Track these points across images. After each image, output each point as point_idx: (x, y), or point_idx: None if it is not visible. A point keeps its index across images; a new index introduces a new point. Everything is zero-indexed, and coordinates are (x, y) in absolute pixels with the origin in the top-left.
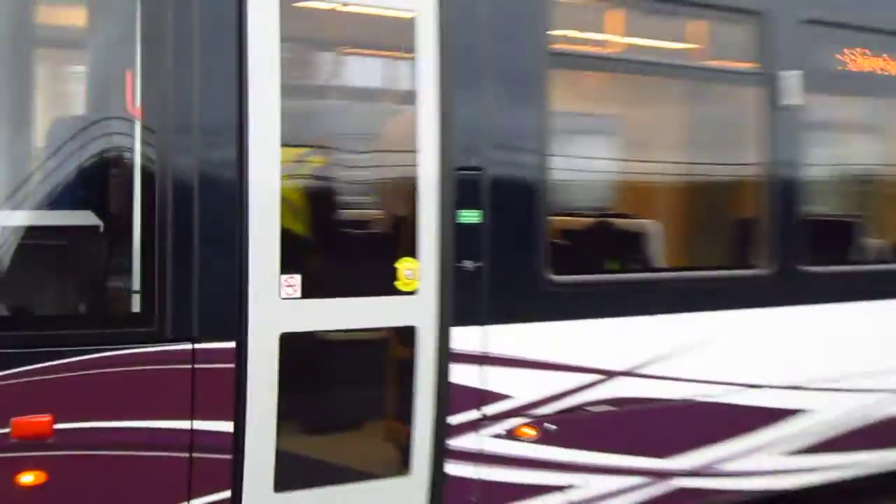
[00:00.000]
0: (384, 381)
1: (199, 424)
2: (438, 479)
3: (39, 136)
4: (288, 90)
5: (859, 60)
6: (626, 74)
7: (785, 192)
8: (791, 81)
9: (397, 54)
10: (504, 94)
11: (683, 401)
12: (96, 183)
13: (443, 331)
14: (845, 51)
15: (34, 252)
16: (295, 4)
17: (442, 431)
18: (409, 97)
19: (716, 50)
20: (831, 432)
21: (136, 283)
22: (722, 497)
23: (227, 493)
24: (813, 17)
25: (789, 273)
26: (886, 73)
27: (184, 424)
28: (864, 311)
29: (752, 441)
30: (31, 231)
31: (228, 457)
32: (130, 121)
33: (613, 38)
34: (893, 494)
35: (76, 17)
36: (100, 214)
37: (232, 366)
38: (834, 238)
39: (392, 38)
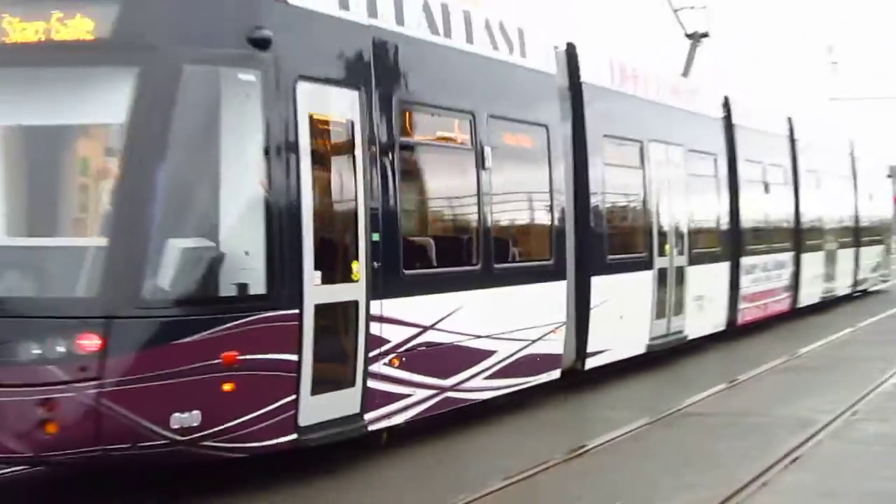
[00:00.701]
0: (347, 329)
1: (293, 356)
2: (364, 389)
3: None
4: None
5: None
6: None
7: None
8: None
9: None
10: None
11: (450, 344)
12: None
13: (367, 303)
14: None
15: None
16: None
17: (365, 362)
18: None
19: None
20: (504, 364)
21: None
22: (461, 403)
23: (294, 396)
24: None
25: (487, 268)
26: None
27: (292, 356)
28: (517, 292)
29: (474, 370)
30: None
31: (293, 374)
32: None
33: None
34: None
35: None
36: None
37: (296, 323)
38: (511, 246)
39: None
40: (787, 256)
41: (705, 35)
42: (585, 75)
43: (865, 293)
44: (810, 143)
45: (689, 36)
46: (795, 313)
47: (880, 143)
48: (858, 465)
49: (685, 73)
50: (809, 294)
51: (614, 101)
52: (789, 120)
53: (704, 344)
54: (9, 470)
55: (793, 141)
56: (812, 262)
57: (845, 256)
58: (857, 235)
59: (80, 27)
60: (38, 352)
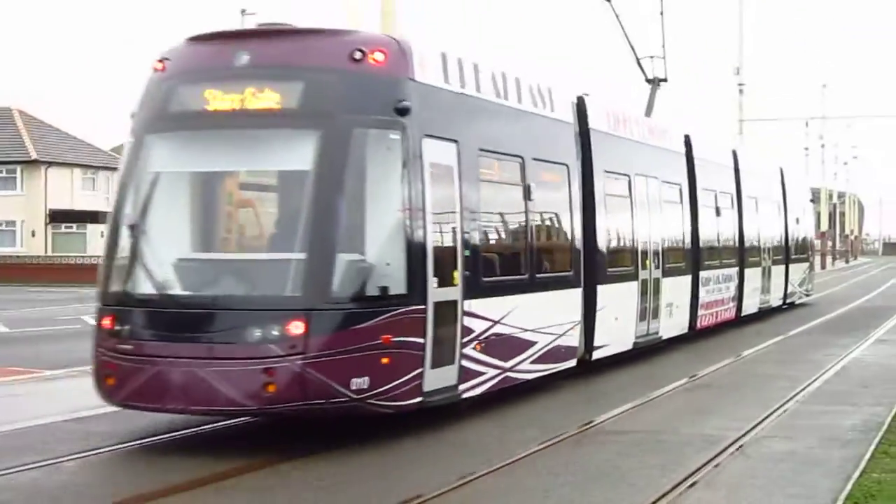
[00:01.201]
0: (450, 321)
1: (421, 339)
2: (459, 367)
3: None
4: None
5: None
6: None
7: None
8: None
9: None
10: None
11: (510, 335)
12: None
13: (463, 300)
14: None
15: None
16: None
17: (461, 346)
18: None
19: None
20: (542, 352)
21: (404, 288)
22: (514, 382)
23: (421, 369)
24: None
25: (532, 277)
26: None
27: (421, 339)
28: (550, 296)
29: (524, 356)
30: None
31: (421, 353)
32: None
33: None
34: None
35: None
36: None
37: (422, 316)
38: (545, 260)
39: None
40: (734, 271)
41: (664, 80)
42: (592, 123)
43: (793, 305)
44: (750, 171)
45: (649, 81)
46: (739, 321)
47: (787, 160)
48: (765, 483)
49: (647, 114)
50: (750, 304)
51: (611, 142)
52: (734, 152)
53: (618, 360)
54: (232, 421)
55: (737, 171)
56: (752, 277)
57: (778, 272)
58: (787, 254)
59: (270, 99)
60: (260, 334)
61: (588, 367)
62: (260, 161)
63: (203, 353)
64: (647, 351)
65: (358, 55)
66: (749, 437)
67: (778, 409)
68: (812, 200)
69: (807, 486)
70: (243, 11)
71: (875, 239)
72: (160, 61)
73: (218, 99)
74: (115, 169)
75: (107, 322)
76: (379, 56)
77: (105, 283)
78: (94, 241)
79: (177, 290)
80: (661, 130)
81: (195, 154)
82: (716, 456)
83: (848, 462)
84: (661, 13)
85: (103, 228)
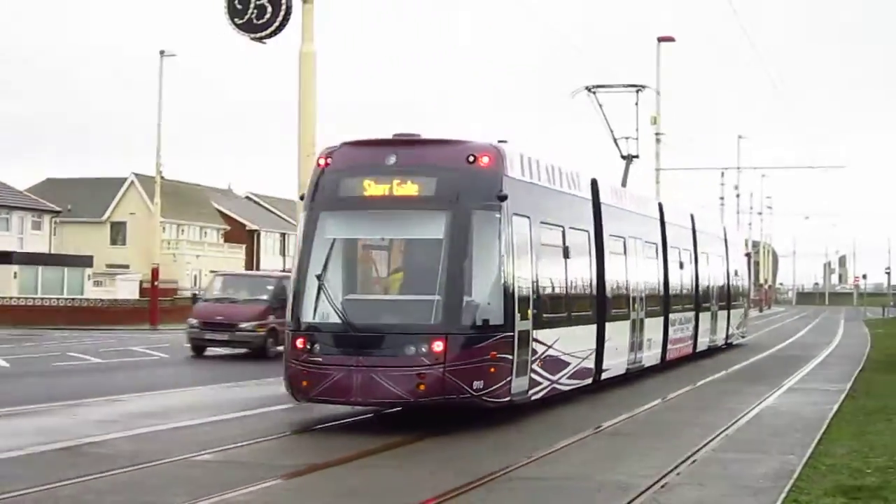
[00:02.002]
0: (525, 345)
1: (511, 356)
2: (529, 378)
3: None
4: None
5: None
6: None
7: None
8: (569, 249)
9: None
10: None
11: (556, 357)
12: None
13: (532, 329)
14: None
15: None
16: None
17: (530, 363)
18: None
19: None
20: (573, 371)
21: (501, 320)
22: (558, 392)
23: (510, 377)
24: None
25: (568, 315)
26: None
27: (510, 356)
28: (578, 329)
29: (564, 373)
30: None
31: (511, 366)
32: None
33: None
34: None
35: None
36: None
37: (512, 340)
38: (575, 302)
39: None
40: (692, 314)
41: (636, 156)
42: (602, 198)
43: (730, 346)
44: (703, 230)
45: (623, 157)
46: (695, 355)
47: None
48: None
49: (623, 184)
50: (703, 342)
51: (614, 212)
52: (692, 215)
53: (526, 409)
54: (368, 414)
55: (693, 231)
56: (704, 319)
57: (722, 316)
58: (729, 300)
59: (412, 188)
60: (414, 350)
61: (599, 385)
62: (407, 232)
63: (374, 363)
64: (568, 396)
65: (471, 158)
66: (661, 484)
67: (691, 456)
68: (747, 254)
69: None
70: (162, 52)
71: (788, 288)
72: (324, 158)
73: (373, 187)
74: (31, 209)
75: (300, 342)
76: (485, 159)
77: (296, 315)
78: (6, 280)
79: (352, 319)
80: (644, 200)
81: (359, 226)
82: (628, 503)
83: None
84: (636, 104)
85: (16, 269)
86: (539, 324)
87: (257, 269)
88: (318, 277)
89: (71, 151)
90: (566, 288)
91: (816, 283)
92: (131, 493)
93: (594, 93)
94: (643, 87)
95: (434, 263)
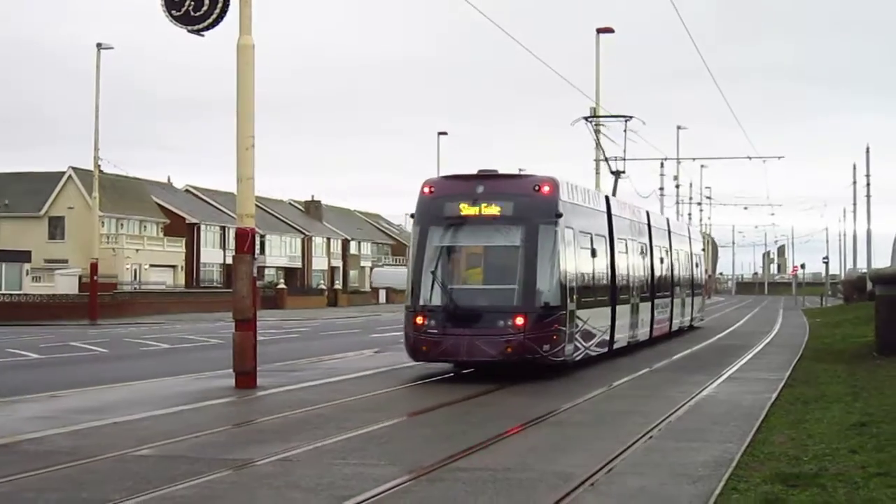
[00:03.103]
0: (570, 321)
1: (565, 329)
2: (573, 344)
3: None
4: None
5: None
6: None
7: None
8: (596, 250)
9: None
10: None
11: (588, 330)
12: None
13: (575, 310)
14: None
15: None
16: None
17: (572, 334)
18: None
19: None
20: (597, 341)
21: (559, 302)
22: (588, 356)
23: (563, 343)
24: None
25: (595, 298)
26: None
27: (564, 329)
28: (600, 310)
29: (592, 342)
30: None
31: (564, 335)
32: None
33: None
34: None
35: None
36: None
37: (565, 317)
38: (599, 289)
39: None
40: (668, 300)
41: (623, 172)
42: (613, 210)
43: (692, 328)
44: (675, 231)
45: (613, 172)
46: (671, 335)
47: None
48: None
49: (613, 194)
50: (676, 323)
51: (620, 221)
52: (668, 219)
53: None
54: (487, 363)
55: (669, 231)
56: (677, 304)
57: (688, 302)
58: (693, 289)
59: (496, 210)
60: (503, 323)
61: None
62: (493, 240)
63: (475, 333)
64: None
65: (536, 188)
66: (601, 473)
67: (631, 445)
68: (708, 249)
69: None
70: (99, 45)
71: (728, 278)
72: (428, 187)
73: (468, 209)
74: None
75: (419, 320)
76: (546, 188)
77: (415, 300)
78: None
79: (458, 303)
80: (636, 210)
81: (459, 236)
82: (568, 493)
83: (698, 498)
84: (625, 130)
85: None
86: (579, 306)
87: (197, 262)
88: (432, 273)
89: (5, 146)
90: (594, 279)
91: (756, 273)
92: (70, 490)
93: (590, 122)
94: (630, 117)
95: (514, 262)
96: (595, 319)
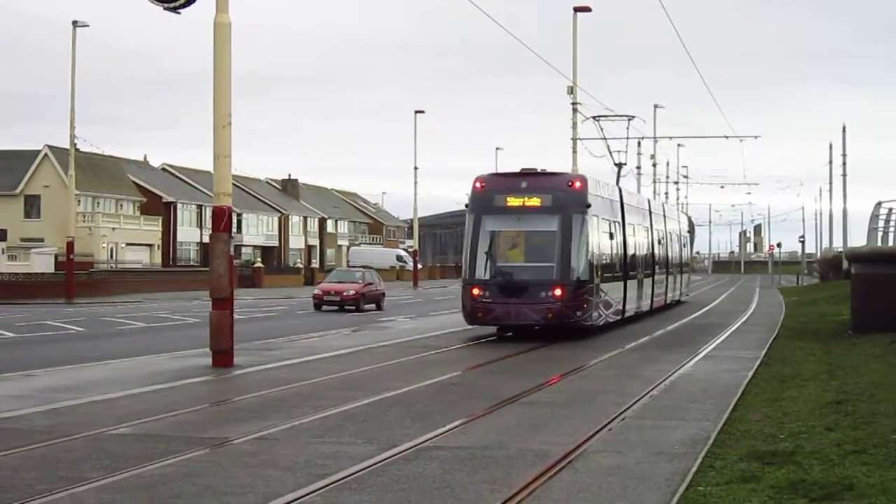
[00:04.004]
0: (596, 292)
1: (593, 298)
2: (597, 312)
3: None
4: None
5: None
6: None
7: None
8: (614, 233)
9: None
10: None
11: (608, 300)
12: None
13: (599, 283)
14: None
15: None
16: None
17: (596, 303)
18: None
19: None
20: (614, 310)
21: (588, 276)
22: (609, 321)
23: (590, 311)
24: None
25: (613, 274)
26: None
27: (593, 298)
28: (616, 284)
29: (611, 310)
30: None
31: (592, 303)
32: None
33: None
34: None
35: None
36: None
37: (593, 289)
38: (616, 266)
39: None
40: (664, 276)
41: (625, 164)
42: (624, 199)
43: (679, 302)
44: (670, 215)
45: (615, 164)
46: (666, 307)
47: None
48: (593, 497)
49: (616, 183)
50: (670, 297)
51: (630, 208)
52: (662, 205)
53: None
54: (534, 325)
55: (664, 216)
56: (671, 281)
57: (678, 279)
58: (681, 267)
59: (537, 201)
60: (544, 294)
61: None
62: (535, 226)
63: (521, 301)
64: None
65: (570, 183)
66: (579, 451)
67: (608, 423)
68: (690, 231)
69: (634, 500)
70: (75, 23)
71: (705, 257)
72: (480, 182)
73: (514, 200)
74: None
75: (476, 291)
76: (578, 184)
77: (471, 275)
78: None
79: (507, 277)
80: (640, 198)
81: (507, 223)
82: (545, 471)
83: (675, 476)
84: (627, 127)
85: None
86: (603, 280)
87: (174, 241)
88: (486, 254)
89: None
90: (611, 258)
91: (732, 252)
92: (47, 468)
93: (598, 120)
94: (633, 116)
95: (552, 245)
96: (612, 292)
